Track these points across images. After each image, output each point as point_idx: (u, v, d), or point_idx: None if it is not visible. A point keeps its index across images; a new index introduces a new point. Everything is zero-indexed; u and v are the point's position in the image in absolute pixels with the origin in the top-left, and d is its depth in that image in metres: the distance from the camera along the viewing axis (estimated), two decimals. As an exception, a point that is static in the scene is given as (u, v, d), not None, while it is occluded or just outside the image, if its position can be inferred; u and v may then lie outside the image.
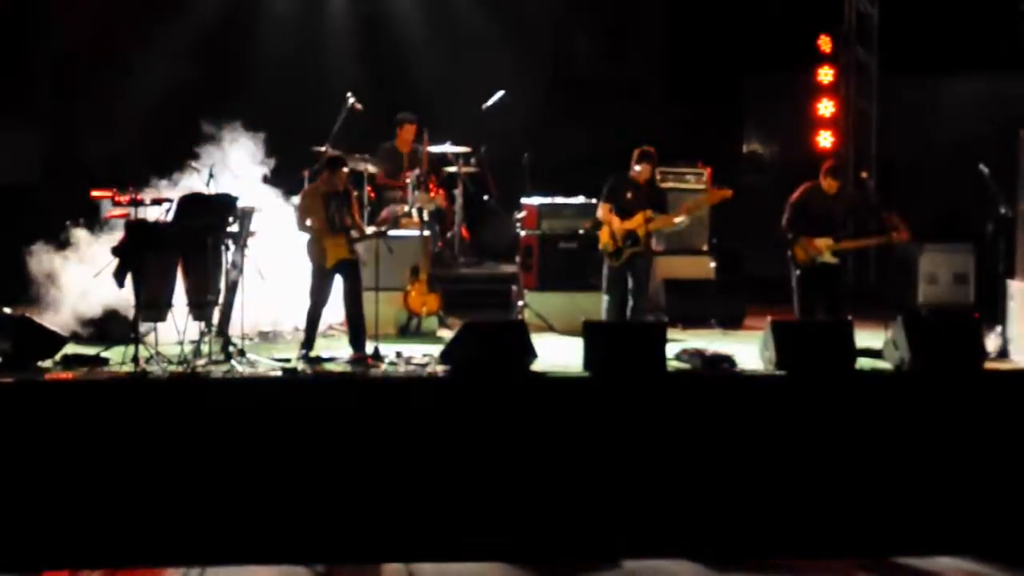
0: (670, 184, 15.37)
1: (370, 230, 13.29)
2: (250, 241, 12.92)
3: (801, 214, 13.54)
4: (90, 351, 12.41)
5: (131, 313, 12.33)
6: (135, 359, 11.98)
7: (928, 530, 11.49)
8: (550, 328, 14.51)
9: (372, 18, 17.19)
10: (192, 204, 12.59)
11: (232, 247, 12.71)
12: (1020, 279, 13.17)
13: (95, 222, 13.24)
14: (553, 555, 11.23)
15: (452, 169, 15.91)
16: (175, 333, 12.39)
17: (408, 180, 15.04)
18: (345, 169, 13.09)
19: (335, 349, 13.08)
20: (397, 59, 17.06)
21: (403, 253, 14.29)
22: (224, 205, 12.60)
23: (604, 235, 13.82)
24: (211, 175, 12.79)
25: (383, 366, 12.52)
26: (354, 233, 12.96)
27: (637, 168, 13.66)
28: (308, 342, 12.86)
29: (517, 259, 15.49)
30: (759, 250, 15.88)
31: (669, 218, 13.81)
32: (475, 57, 17.00)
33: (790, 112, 17.26)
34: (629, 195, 13.73)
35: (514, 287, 15.13)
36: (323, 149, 14.01)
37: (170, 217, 12.58)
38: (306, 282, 13.02)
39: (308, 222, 12.83)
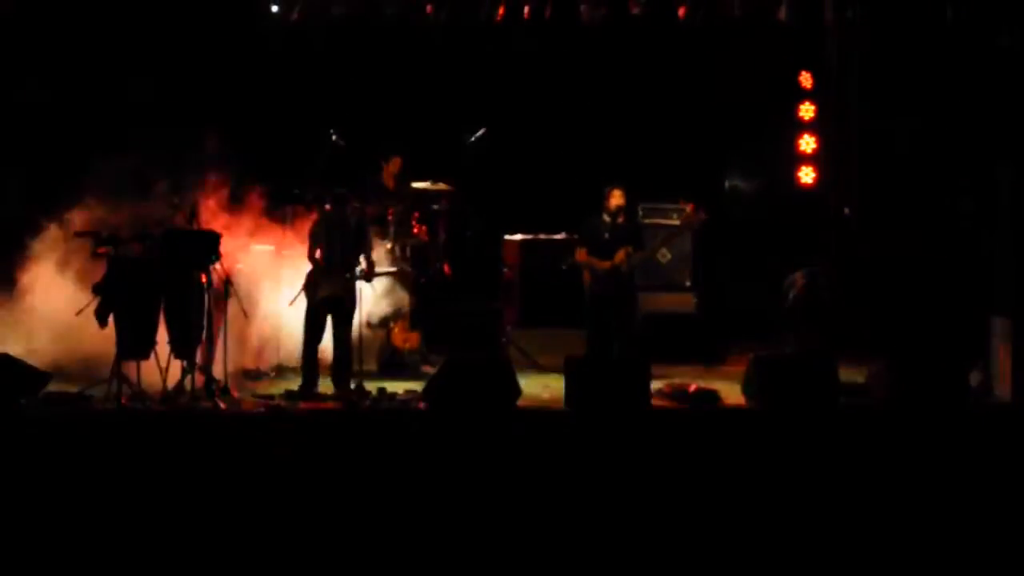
0: (653, 221, 15.37)
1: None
2: (233, 278, 12.90)
3: (801, 299, 13.79)
4: (72, 388, 12.37)
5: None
6: (117, 397, 11.94)
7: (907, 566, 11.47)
8: (533, 364, 14.51)
9: (354, 53, 17.19)
10: (174, 242, 12.59)
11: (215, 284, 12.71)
12: (1001, 315, 13.20)
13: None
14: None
15: (435, 206, 15.89)
16: (158, 371, 12.36)
17: (391, 216, 15.02)
18: (354, 204, 13.21)
19: (318, 385, 13.07)
20: (379, 95, 17.06)
21: (385, 289, 14.31)
22: (207, 242, 12.59)
23: (587, 277, 13.79)
24: (193, 212, 12.80)
25: (366, 403, 12.52)
26: (358, 271, 12.97)
27: (614, 199, 13.64)
28: (307, 379, 12.87)
29: (499, 295, 15.49)
30: (742, 285, 15.91)
31: (649, 251, 13.81)
32: (458, 93, 17.02)
33: (772, 148, 17.30)
34: (607, 235, 13.70)
35: (498, 323, 15.12)
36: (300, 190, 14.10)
37: (152, 255, 12.58)
38: (289, 319, 13.05)
39: (317, 254, 12.94)
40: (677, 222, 15.38)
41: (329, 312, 12.92)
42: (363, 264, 13.05)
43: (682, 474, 11.58)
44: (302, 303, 13.03)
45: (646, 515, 11.49)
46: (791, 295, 13.88)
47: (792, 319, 13.75)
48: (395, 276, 14.41)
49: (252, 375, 13.78)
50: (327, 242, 12.95)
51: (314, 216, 13.58)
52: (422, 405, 12.20)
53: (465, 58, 17.03)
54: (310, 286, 12.91)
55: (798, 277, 14.05)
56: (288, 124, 16.18)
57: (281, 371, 13.86)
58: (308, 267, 13.10)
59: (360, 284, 13.04)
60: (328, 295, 12.86)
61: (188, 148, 13.81)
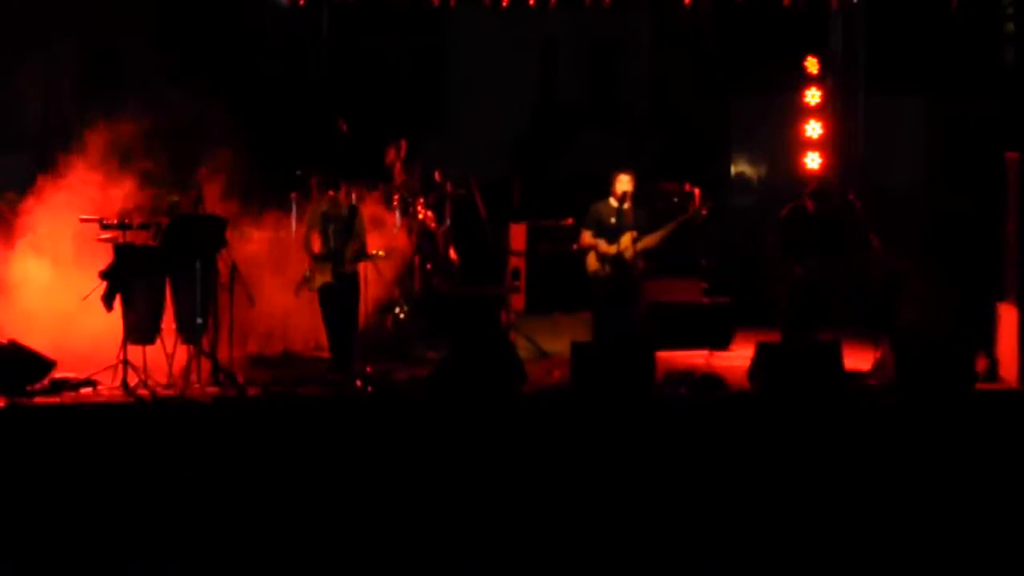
0: (659, 206, 15.34)
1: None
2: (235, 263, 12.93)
3: (787, 232, 13.65)
4: (78, 374, 12.38)
5: None
6: (124, 383, 11.97)
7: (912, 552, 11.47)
8: (539, 350, 14.51)
9: (362, 42, 17.21)
10: (181, 227, 12.61)
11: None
12: (1008, 302, 13.20)
13: None
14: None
15: (441, 191, 15.89)
16: (164, 356, 12.39)
17: (396, 202, 15.03)
18: (340, 188, 13.21)
19: (320, 369, 13.12)
20: (386, 82, 17.08)
21: (392, 275, 14.33)
22: (213, 228, 12.61)
23: (592, 261, 13.76)
24: (199, 198, 12.81)
25: (369, 388, 12.54)
26: (351, 264, 13.02)
27: (620, 184, 13.58)
28: (337, 359, 13.01)
29: (505, 281, 15.49)
30: (747, 271, 15.90)
31: (654, 237, 13.77)
32: (464, 81, 17.03)
33: (777, 133, 17.29)
34: (613, 220, 13.66)
35: (504, 309, 15.13)
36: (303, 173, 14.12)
37: (159, 240, 12.60)
38: (294, 305, 13.11)
39: (314, 243, 13.00)
40: (684, 207, 15.39)
41: (332, 298, 12.99)
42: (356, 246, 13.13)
43: (687, 459, 11.59)
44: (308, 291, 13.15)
45: (651, 500, 11.50)
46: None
47: (772, 254, 13.77)
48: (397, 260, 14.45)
49: (257, 360, 13.80)
50: (322, 230, 13.01)
51: (313, 202, 13.61)
52: (426, 390, 12.20)
53: (469, 45, 17.04)
54: (311, 275, 12.99)
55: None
56: (293, 109, 16.19)
57: (287, 357, 13.88)
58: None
59: (365, 268, 13.11)
60: (326, 283, 12.94)
61: (193, 133, 13.84)
